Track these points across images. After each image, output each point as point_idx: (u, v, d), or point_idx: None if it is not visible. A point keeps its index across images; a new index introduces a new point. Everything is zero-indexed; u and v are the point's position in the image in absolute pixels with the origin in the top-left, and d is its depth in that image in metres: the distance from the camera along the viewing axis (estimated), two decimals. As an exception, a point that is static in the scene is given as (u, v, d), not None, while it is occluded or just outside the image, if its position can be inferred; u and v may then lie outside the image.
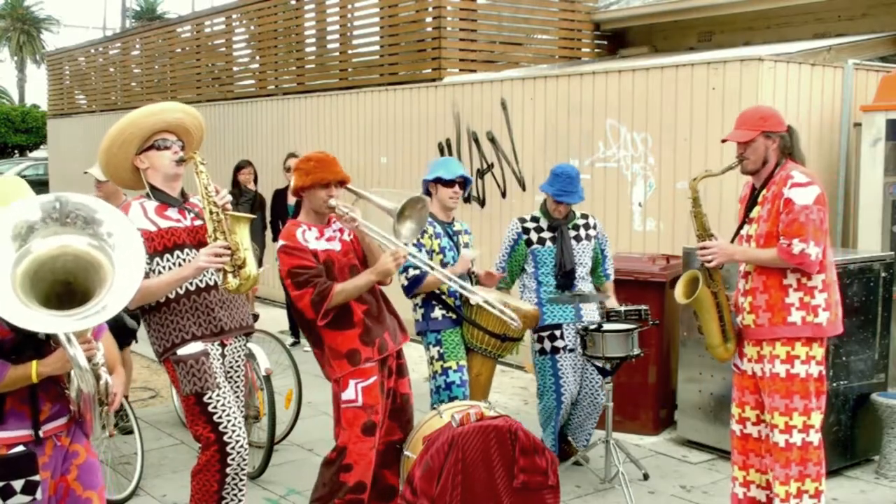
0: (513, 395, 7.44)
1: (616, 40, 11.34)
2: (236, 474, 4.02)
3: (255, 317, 5.82)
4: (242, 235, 3.90)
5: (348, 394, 4.16)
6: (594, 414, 5.62)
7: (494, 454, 4.07)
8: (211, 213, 3.91)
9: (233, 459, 3.97)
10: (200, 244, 3.98)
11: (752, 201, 4.27)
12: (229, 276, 3.86)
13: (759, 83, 6.56)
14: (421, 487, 3.98)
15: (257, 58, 13.16)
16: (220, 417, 3.95)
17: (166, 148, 4.03)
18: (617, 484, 5.24)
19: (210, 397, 3.95)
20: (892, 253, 5.96)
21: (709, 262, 4.22)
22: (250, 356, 5.61)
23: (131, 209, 3.97)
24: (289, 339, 8.95)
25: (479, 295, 4.70)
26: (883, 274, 5.66)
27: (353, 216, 4.13)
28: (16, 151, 34.47)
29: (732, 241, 4.36)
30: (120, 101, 16.82)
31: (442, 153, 9.12)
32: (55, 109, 19.41)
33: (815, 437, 4.16)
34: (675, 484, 5.46)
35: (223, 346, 4.12)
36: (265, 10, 12.75)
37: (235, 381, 4.24)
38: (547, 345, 5.47)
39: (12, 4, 52.38)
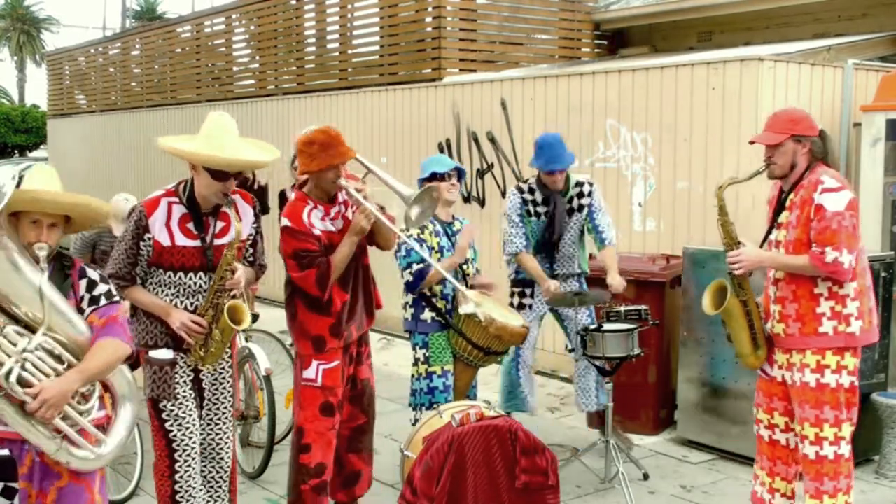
0: (513, 395, 7.43)
1: (616, 40, 11.34)
2: (188, 484, 4.03)
3: (255, 317, 5.82)
4: (226, 336, 3.94)
5: (309, 373, 4.34)
6: (590, 369, 5.61)
7: (496, 454, 4.07)
8: (216, 292, 3.90)
9: (180, 467, 4.02)
10: (211, 266, 3.93)
11: (779, 205, 4.11)
12: (198, 347, 3.92)
13: (759, 83, 6.56)
14: (421, 487, 3.98)
15: (257, 58, 13.17)
16: (171, 426, 3.99)
17: (222, 180, 3.88)
18: (617, 484, 5.24)
19: (165, 405, 3.98)
20: (892, 253, 5.96)
21: (736, 269, 4.04)
22: (250, 356, 5.61)
23: (159, 208, 3.88)
24: (289, 339, 8.93)
25: (471, 303, 4.75)
26: (883, 274, 5.65)
27: (361, 201, 4.16)
28: (16, 151, 34.45)
29: (761, 246, 4.18)
30: (120, 101, 16.82)
31: (442, 153, 9.11)
32: (55, 109, 19.41)
33: (847, 450, 4.03)
34: (675, 484, 5.46)
35: None
36: (265, 10, 12.75)
37: (219, 393, 4.15)
38: (516, 300, 5.66)
39: (12, 4, 52.34)
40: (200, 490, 4.08)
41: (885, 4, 9.10)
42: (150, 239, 3.85)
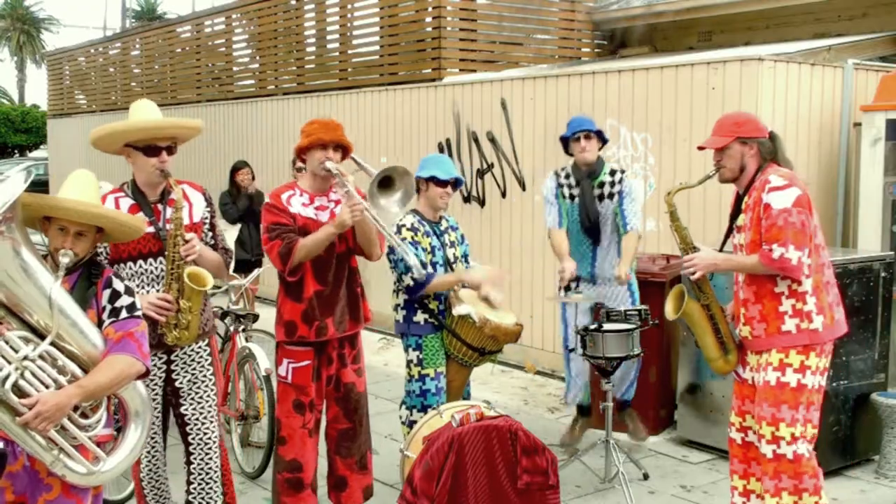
0: (513, 395, 7.44)
1: (616, 40, 11.35)
2: (155, 466, 4.17)
3: (255, 317, 5.83)
4: (195, 303, 3.93)
5: (281, 370, 4.46)
6: (632, 366, 5.74)
7: (496, 454, 4.07)
8: (173, 261, 3.89)
9: (145, 467, 4.14)
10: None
11: (736, 209, 4.18)
12: (172, 327, 3.93)
13: (759, 83, 6.56)
14: (421, 487, 3.98)
15: (257, 58, 13.17)
16: None
17: (154, 154, 3.92)
18: (617, 484, 5.24)
19: None
20: (892, 253, 5.96)
21: (692, 274, 4.13)
22: (250, 356, 5.61)
23: (105, 204, 3.89)
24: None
25: (465, 304, 4.78)
26: (883, 274, 5.66)
27: (343, 180, 4.22)
28: (16, 151, 34.48)
29: (721, 250, 4.26)
30: (120, 101, 16.82)
31: (442, 153, 9.11)
32: (55, 109, 19.42)
33: (805, 449, 4.01)
34: (675, 484, 5.46)
35: (168, 353, 4.07)
36: (265, 10, 12.76)
37: (200, 391, 4.16)
38: (562, 293, 5.79)
39: (12, 4, 52.36)
40: (167, 467, 4.23)
41: (885, 4, 9.11)
42: None
